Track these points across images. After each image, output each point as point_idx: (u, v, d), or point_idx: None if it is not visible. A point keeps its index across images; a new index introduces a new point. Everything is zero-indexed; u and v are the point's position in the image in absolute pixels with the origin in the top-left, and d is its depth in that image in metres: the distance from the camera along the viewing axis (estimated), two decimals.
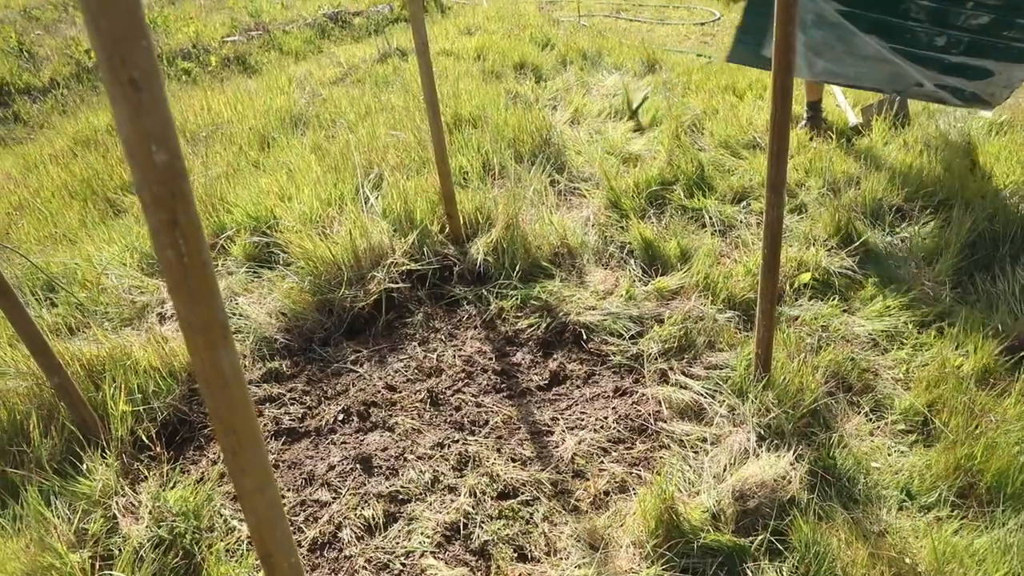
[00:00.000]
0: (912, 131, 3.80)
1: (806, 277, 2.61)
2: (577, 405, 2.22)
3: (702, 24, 6.89)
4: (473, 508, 1.85)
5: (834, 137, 3.70)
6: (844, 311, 2.51)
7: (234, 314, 2.55)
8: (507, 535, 1.77)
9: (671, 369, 2.27)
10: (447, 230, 2.88)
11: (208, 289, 0.75)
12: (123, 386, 2.16)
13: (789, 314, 2.48)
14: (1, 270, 1.90)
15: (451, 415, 2.22)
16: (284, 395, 2.32)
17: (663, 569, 1.61)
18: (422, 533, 1.79)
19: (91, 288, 2.75)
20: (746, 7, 3.21)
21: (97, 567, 1.72)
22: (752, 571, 1.64)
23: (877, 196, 3.11)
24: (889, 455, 1.94)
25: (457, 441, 2.10)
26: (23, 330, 1.93)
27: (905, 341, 2.35)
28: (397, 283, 2.67)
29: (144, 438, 2.10)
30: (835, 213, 2.95)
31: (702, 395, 2.12)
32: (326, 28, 6.77)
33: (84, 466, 1.94)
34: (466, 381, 2.36)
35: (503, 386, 2.32)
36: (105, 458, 1.99)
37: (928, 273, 2.67)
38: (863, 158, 3.52)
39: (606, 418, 2.13)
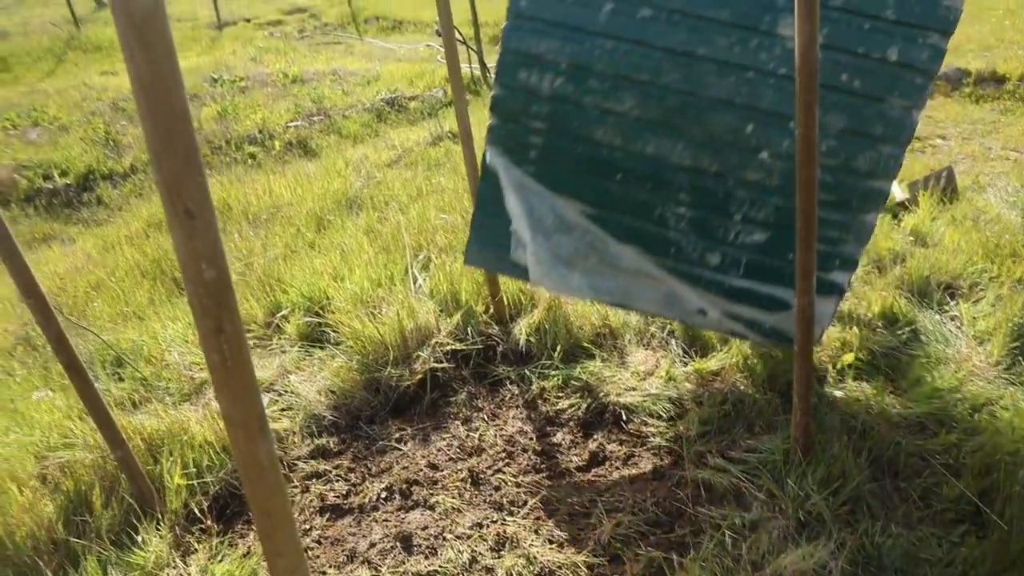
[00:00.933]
0: (961, 206, 3.76)
1: (850, 357, 2.58)
2: (616, 487, 2.22)
3: None
4: None
5: None
6: (890, 392, 2.46)
7: (286, 391, 2.66)
8: None
9: (710, 452, 2.25)
10: (491, 311, 2.96)
11: (248, 388, 0.84)
12: (179, 460, 2.28)
13: (832, 395, 2.45)
14: (75, 347, 2.06)
15: (491, 495, 2.25)
16: (330, 471, 2.39)
17: None
18: None
19: (155, 364, 2.92)
20: (476, 202, 2.51)
21: None
22: None
23: (924, 274, 3.07)
24: (938, 546, 1.88)
25: (496, 521, 2.13)
26: (91, 405, 2.07)
27: (955, 425, 2.29)
28: (442, 362, 2.75)
29: (197, 511, 2.19)
30: (880, 291, 2.92)
31: (741, 479, 2.10)
32: (383, 112, 7.15)
33: (140, 537, 2.03)
34: (507, 461, 2.39)
35: (543, 466, 2.35)
36: (159, 530, 2.08)
37: (979, 354, 2.61)
38: (910, 234, 3.49)
39: (644, 501, 2.13)
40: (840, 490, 1.97)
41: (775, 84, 2.17)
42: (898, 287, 3.00)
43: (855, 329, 2.72)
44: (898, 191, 4.06)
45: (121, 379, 2.87)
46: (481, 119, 4.99)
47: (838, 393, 2.46)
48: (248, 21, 14.62)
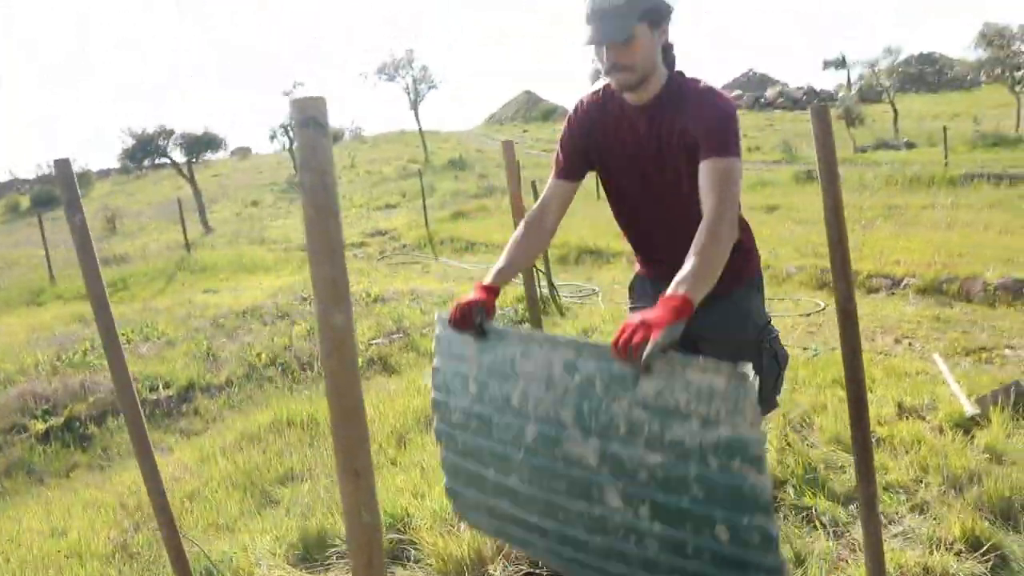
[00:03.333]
0: None
1: None
2: None
3: (807, 315, 7.24)
4: None
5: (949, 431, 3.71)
6: None
7: None
8: None
9: None
10: None
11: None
12: None
13: None
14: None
15: None
16: None
17: None
18: None
19: None
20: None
21: None
22: None
23: (1005, 494, 3.03)
24: None
25: None
26: None
27: None
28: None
29: None
30: (958, 513, 2.89)
31: None
32: None
33: None
34: None
35: None
36: None
37: None
38: (984, 451, 3.47)
39: None
40: None
41: None
42: (977, 507, 2.96)
43: (936, 554, 2.68)
44: (968, 405, 4.08)
45: None
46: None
47: None
48: None
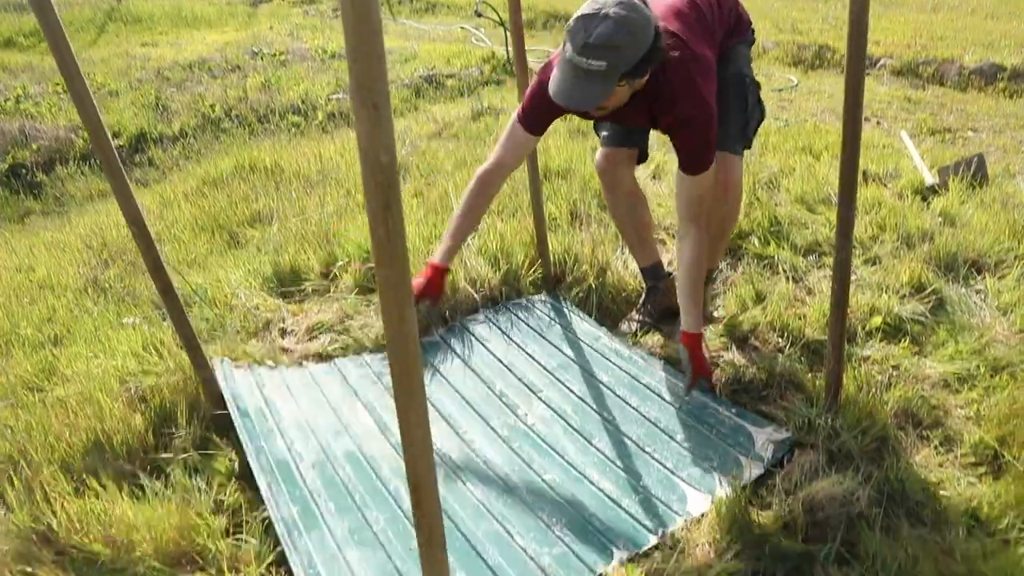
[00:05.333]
0: (990, 191, 3.88)
1: (877, 321, 2.73)
2: None
3: (780, 91, 7.11)
4: None
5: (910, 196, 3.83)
6: (915, 354, 2.61)
7: (346, 331, 2.86)
8: None
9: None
10: (536, 270, 3.14)
11: (402, 258, 1.02)
12: None
13: (860, 355, 2.61)
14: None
15: None
16: None
17: (736, 565, 1.76)
18: None
19: (220, 306, 3.12)
20: None
21: (233, 529, 2.00)
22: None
23: (952, 250, 3.21)
24: (958, 485, 2.04)
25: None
26: (181, 329, 2.27)
27: (977, 383, 2.44)
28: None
29: None
30: (909, 263, 3.07)
31: (773, 418, 2.27)
32: (421, 88, 7.32)
33: (220, 449, 2.24)
34: None
35: None
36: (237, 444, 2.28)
37: (1002, 323, 2.75)
38: (939, 215, 3.62)
39: None
40: (867, 431, 2.13)
41: None
42: (926, 261, 3.14)
43: (884, 296, 2.87)
44: (928, 175, 4.18)
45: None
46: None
47: (866, 352, 2.62)
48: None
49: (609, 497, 2.06)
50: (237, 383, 2.49)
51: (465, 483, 2.14)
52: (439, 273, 2.37)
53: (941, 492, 2.01)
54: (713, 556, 1.80)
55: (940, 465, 2.12)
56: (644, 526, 1.95)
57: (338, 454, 2.25)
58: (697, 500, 2.02)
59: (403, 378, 1.11)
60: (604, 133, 2.74)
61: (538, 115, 2.33)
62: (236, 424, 2.29)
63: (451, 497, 2.08)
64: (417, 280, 2.33)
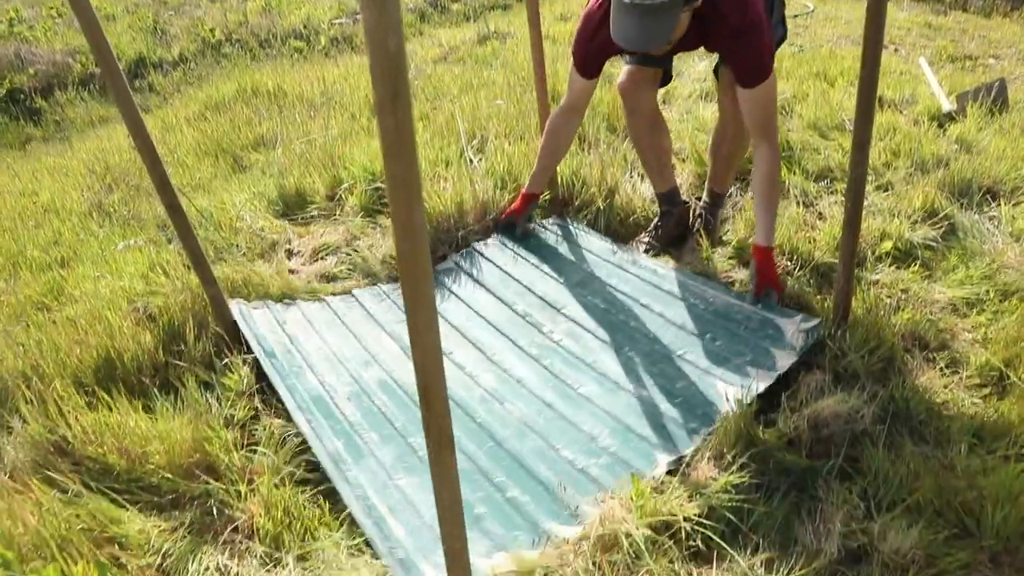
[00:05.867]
0: (1010, 117, 3.79)
1: (888, 245, 2.70)
2: None
3: (795, 16, 6.88)
4: None
5: (925, 122, 3.74)
6: (925, 278, 2.60)
7: (354, 251, 2.85)
8: None
9: None
10: (544, 193, 3.10)
11: (411, 152, 0.99)
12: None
13: (869, 279, 2.59)
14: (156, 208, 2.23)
15: None
16: None
17: (740, 478, 1.79)
18: None
19: (226, 229, 3.11)
20: None
21: (244, 443, 2.03)
22: (823, 490, 1.79)
23: (966, 176, 3.15)
24: (962, 405, 2.05)
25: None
26: (188, 246, 2.26)
27: (985, 308, 2.43)
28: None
29: None
30: (921, 189, 3.01)
31: None
32: (426, 13, 7.11)
33: (229, 364, 2.26)
34: None
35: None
36: (245, 359, 2.30)
37: (1014, 249, 2.72)
38: (955, 142, 3.54)
39: None
40: (874, 352, 2.13)
41: None
42: (939, 187, 3.09)
43: (895, 220, 2.83)
44: (945, 102, 4.07)
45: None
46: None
47: (875, 276, 2.60)
48: None
49: (647, 404, 2.06)
50: (257, 324, 2.43)
51: (503, 404, 2.13)
52: (525, 199, 2.85)
53: (945, 411, 2.02)
54: (718, 470, 1.82)
55: (945, 386, 2.13)
56: (687, 428, 1.96)
57: (371, 384, 2.23)
58: (736, 395, 1.99)
59: (411, 280, 1.10)
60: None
61: (593, 62, 2.47)
62: (263, 365, 2.24)
63: (492, 419, 2.07)
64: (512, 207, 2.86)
